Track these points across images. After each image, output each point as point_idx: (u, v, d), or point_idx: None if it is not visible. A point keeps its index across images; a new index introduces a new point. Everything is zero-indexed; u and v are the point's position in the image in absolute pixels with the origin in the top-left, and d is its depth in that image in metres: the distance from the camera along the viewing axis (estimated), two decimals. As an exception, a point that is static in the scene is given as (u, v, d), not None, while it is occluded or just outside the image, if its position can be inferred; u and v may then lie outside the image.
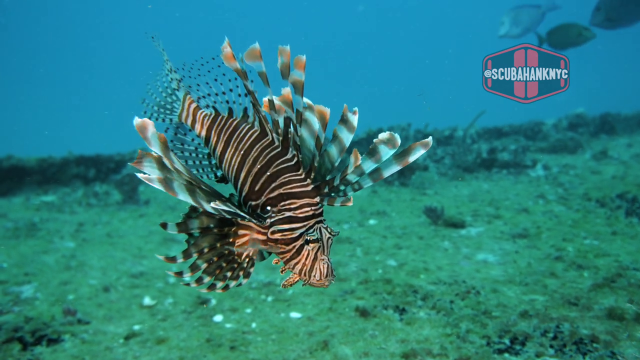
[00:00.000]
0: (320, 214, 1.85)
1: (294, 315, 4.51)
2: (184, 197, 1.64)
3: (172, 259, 1.87)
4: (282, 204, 1.83)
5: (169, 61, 2.33)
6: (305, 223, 1.81)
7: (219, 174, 2.20)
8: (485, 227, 6.90)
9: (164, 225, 1.83)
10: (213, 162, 2.23)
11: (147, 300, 4.79)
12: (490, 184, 9.90)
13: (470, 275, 5.19)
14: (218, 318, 4.50)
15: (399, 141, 1.74)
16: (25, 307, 4.71)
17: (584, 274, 5.00)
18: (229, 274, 1.90)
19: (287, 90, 1.72)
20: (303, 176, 1.84)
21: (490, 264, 5.47)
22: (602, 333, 3.79)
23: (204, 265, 1.87)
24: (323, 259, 1.80)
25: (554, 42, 7.82)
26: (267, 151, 1.91)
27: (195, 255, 1.86)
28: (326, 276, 1.79)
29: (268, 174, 1.87)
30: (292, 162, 1.86)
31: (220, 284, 1.89)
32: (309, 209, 1.82)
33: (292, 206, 1.82)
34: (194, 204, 1.65)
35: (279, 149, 1.89)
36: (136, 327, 4.34)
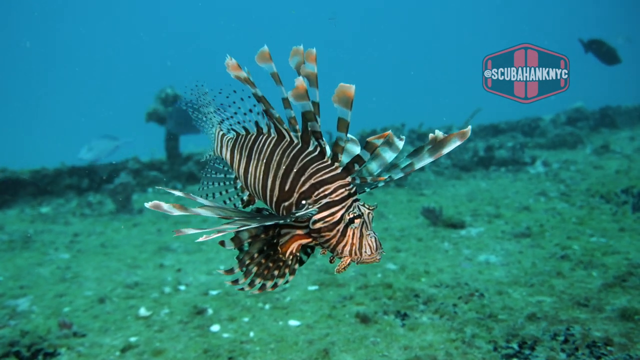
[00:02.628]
0: (355, 193, 1.87)
1: (293, 323, 4.38)
2: (229, 229, 1.72)
3: (230, 271, 1.98)
4: (316, 193, 1.86)
5: (210, 101, 2.42)
6: (343, 204, 1.83)
7: (244, 197, 2.29)
8: (485, 226, 6.76)
9: (222, 244, 1.93)
10: (239, 185, 2.32)
11: (143, 311, 4.65)
12: (489, 183, 9.78)
13: (472, 277, 5.05)
14: (215, 328, 4.36)
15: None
16: (22, 321, 4.60)
17: (593, 273, 4.86)
18: (276, 272, 1.99)
19: (300, 81, 1.69)
20: (329, 162, 1.88)
21: (493, 265, 5.34)
22: (617, 335, 3.65)
23: (255, 269, 1.97)
24: (369, 234, 1.82)
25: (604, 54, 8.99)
26: (288, 151, 1.96)
27: (247, 261, 1.97)
28: (376, 250, 1.81)
29: (295, 170, 1.91)
30: (316, 153, 1.90)
31: (269, 283, 1.99)
32: (343, 189, 1.84)
33: (327, 192, 1.85)
34: (239, 229, 1.74)
35: (299, 146, 1.94)
36: (132, 339, 4.20)
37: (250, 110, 2.17)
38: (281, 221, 1.81)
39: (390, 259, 5.74)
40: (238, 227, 1.70)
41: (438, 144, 1.74)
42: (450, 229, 6.75)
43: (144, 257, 6.27)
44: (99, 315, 4.64)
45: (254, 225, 1.72)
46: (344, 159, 1.89)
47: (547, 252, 5.53)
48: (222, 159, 2.35)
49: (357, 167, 1.82)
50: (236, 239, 1.93)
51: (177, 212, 1.61)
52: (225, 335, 4.23)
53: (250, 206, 2.26)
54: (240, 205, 2.28)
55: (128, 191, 8.54)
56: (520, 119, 15.44)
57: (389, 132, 1.76)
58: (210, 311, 4.65)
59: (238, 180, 2.28)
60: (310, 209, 1.82)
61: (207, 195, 2.33)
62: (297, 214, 1.84)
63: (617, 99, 16.47)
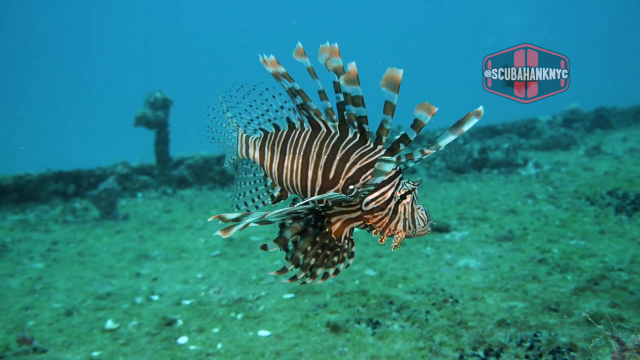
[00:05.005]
0: (401, 171, 1.95)
1: (263, 333, 4.29)
2: (273, 219, 1.81)
3: (283, 270, 2.00)
4: (364, 176, 1.93)
5: (227, 109, 2.48)
6: (391, 183, 1.90)
7: (275, 193, 2.34)
8: (470, 230, 6.66)
9: (264, 247, 1.96)
10: (269, 182, 2.37)
11: (110, 324, 4.56)
12: (480, 185, 9.67)
13: (449, 282, 4.96)
14: (183, 340, 4.28)
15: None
16: (-20, 337, 4.50)
17: (568, 276, 4.77)
18: (335, 259, 2.03)
19: (353, 66, 1.74)
20: (372, 146, 1.95)
21: (471, 270, 5.24)
22: (581, 340, 3.57)
23: (313, 261, 2.01)
24: (419, 207, 1.92)
25: None
26: (327, 141, 2.02)
27: (301, 257, 2.00)
28: (427, 221, 1.91)
29: (338, 158, 1.98)
30: (357, 140, 1.97)
31: (331, 270, 2.03)
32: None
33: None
34: (293, 214, 1.86)
35: (338, 135, 2.01)
36: (95, 354, 4.11)
37: (282, 107, 2.22)
38: (332, 201, 1.88)
39: (370, 264, 5.65)
40: (283, 216, 1.80)
41: (458, 123, 1.80)
42: (435, 233, 6.65)
43: (121, 266, 6.19)
44: (64, 329, 4.54)
45: (307, 207, 1.78)
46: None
47: (527, 256, 5.43)
48: (248, 160, 2.40)
49: (402, 146, 1.86)
50: (280, 239, 1.97)
51: (239, 226, 1.68)
52: (192, 347, 4.14)
53: (282, 201, 2.34)
54: (270, 202, 2.35)
55: (112, 197, 8.47)
56: (517, 120, 15.33)
57: (437, 109, 1.73)
58: (180, 322, 4.57)
59: (268, 178, 2.35)
60: (379, 178, 1.80)
61: (239, 195, 2.40)
62: (358, 190, 1.88)
63: (612, 99, 16.37)
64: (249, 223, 1.70)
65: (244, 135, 2.40)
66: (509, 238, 6.09)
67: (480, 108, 1.79)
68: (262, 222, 1.76)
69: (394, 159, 1.68)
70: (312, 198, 1.79)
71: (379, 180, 1.81)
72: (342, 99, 1.94)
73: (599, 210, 6.86)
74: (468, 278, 5.03)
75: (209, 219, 1.72)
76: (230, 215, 1.71)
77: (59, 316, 4.81)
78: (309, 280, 2.01)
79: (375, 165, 1.72)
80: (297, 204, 1.81)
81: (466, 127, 1.80)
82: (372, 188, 1.87)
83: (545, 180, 9.26)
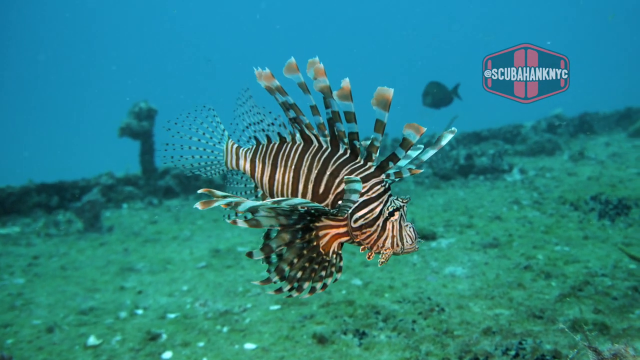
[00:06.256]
0: (389, 189, 1.97)
1: (249, 346, 4.25)
2: (267, 222, 1.87)
3: (267, 281, 1.99)
4: None
5: (220, 123, 2.47)
6: (380, 200, 1.93)
7: None
8: (456, 237, 6.67)
9: (250, 255, 1.95)
10: (259, 194, 2.37)
11: (92, 340, 4.48)
12: (466, 192, 9.71)
13: (436, 291, 4.95)
14: (167, 355, 4.22)
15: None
16: (-43, 357, 4.39)
17: (552, 283, 4.79)
18: (323, 273, 2.03)
19: (346, 82, 1.76)
20: (362, 162, 1.97)
21: (457, 278, 5.24)
22: (565, 347, 3.58)
23: (300, 274, 2.00)
24: (407, 225, 1.94)
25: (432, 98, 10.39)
26: (318, 156, 2.05)
27: (287, 269, 1.98)
28: (415, 238, 1.94)
29: (328, 173, 2.00)
30: (347, 155, 2.00)
31: (319, 285, 2.03)
32: (379, 186, 1.94)
33: (364, 190, 1.93)
34: (285, 210, 1.87)
35: (329, 150, 2.04)
36: (76, 371, 4.05)
37: (276, 119, 2.23)
38: (323, 213, 1.92)
39: (357, 274, 5.63)
40: (270, 213, 1.84)
41: (437, 140, 1.96)
42: (422, 241, 6.64)
43: (104, 280, 6.10)
44: (45, 347, 4.43)
45: (291, 203, 1.77)
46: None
47: (512, 263, 5.44)
48: (238, 170, 2.39)
49: (391, 164, 1.92)
50: (266, 247, 1.96)
51: (223, 201, 1.69)
52: (176, 362, 4.09)
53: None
54: None
55: (97, 209, 8.36)
56: (502, 126, 15.44)
57: (425, 128, 1.77)
58: (164, 336, 4.51)
59: (259, 189, 2.35)
60: (353, 196, 1.83)
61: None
62: (342, 204, 1.89)
63: (595, 104, 16.56)
64: (232, 203, 1.71)
65: (234, 146, 2.38)
66: (495, 245, 6.11)
67: (454, 129, 1.96)
68: (249, 210, 1.78)
69: (358, 178, 1.72)
70: (296, 201, 1.79)
71: (353, 197, 1.82)
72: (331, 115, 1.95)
73: (582, 216, 6.92)
74: (454, 286, 5.03)
75: (199, 191, 1.75)
76: (219, 193, 1.74)
77: (40, 333, 4.70)
78: (295, 294, 2.00)
79: (344, 186, 1.76)
80: (283, 200, 1.79)
81: (444, 142, 1.95)
82: (350, 205, 1.89)
83: (530, 186, 9.32)
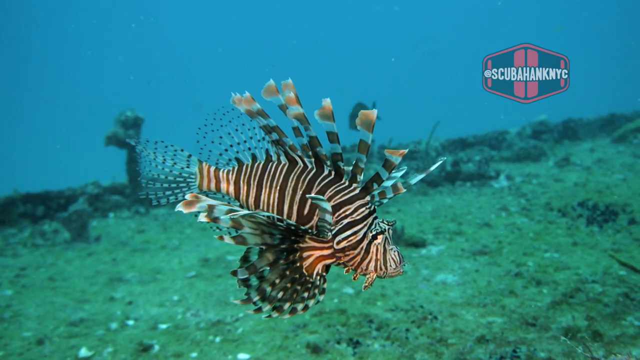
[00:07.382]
0: (374, 211, 1.96)
1: (242, 356, 4.23)
2: (254, 240, 1.85)
3: (248, 301, 1.96)
4: (337, 214, 1.94)
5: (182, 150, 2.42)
6: (364, 222, 1.92)
7: None
8: (446, 244, 6.71)
9: (234, 273, 1.93)
10: None
11: (84, 352, 4.43)
12: (454, 198, 9.77)
13: (428, 299, 4.97)
14: (159, 366, 4.18)
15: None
16: (-53, 371, 4.32)
17: (544, 290, 4.84)
18: (305, 294, 2.00)
19: (327, 102, 1.76)
20: (347, 183, 1.97)
21: (449, 286, 5.27)
22: (559, 355, 3.62)
23: (281, 294, 1.96)
24: (392, 248, 1.91)
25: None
26: (303, 176, 2.03)
27: (269, 289, 1.94)
28: (400, 262, 1.90)
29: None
30: (332, 176, 1.99)
31: (300, 306, 1.99)
32: (364, 209, 1.94)
33: (348, 212, 1.93)
34: (263, 224, 1.85)
35: (314, 171, 2.03)
36: (68, 384, 3.99)
37: (263, 139, 2.22)
38: (303, 233, 1.91)
39: (348, 282, 5.63)
40: (253, 227, 1.82)
41: (423, 169, 2.00)
42: (412, 248, 6.67)
43: (94, 290, 6.03)
44: (35, 359, 4.38)
45: (273, 216, 1.80)
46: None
47: (503, 270, 5.49)
48: (215, 193, 2.33)
49: (375, 186, 1.92)
50: (251, 267, 1.93)
51: (204, 204, 1.70)
52: (169, 373, 4.05)
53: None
54: None
55: (84, 219, 8.26)
56: (487, 132, 15.58)
57: (405, 150, 1.79)
58: (156, 347, 4.46)
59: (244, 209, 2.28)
60: (335, 229, 1.89)
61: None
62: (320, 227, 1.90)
63: (578, 111, 16.77)
64: (214, 206, 1.71)
65: (212, 169, 2.32)
66: (485, 252, 6.16)
67: (445, 158, 2.09)
68: (234, 222, 1.78)
69: (323, 197, 1.74)
70: (275, 216, 1.82)
71: (327, 218, 1.83)
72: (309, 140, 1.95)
73: (570, 222, 7.00)
74: (446, 294, 5.06)
75: (186, 196, 1.74)
76: (204, 198, 1.74)
77: (30, 345, 4.63)
78: (275, 314, 1.97)
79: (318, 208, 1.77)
80: (263, 213, 1.81)
81: (432, 169, 1.99)
82: (326, 225, 1.89)
83: (517, 193, 9.42)
